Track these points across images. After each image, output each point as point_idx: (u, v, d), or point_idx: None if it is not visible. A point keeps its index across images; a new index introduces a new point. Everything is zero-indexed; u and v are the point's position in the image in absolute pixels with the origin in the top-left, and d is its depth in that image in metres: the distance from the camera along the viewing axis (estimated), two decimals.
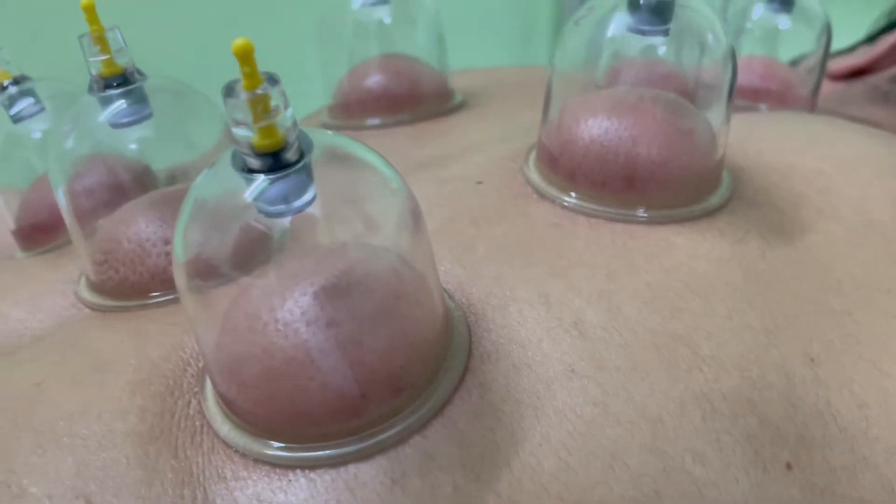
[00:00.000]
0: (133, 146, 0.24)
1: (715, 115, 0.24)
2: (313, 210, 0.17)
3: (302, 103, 0.47)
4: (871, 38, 0.57)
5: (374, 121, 0.38)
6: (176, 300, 0.23)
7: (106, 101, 0.24)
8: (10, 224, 0.33)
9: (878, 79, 0.53)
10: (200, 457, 0.18)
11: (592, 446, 0.17)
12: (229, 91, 0.15)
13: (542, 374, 0.19)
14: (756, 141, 0.29)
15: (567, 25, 0.25)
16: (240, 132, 0.16)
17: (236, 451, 0.18)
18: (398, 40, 0.38)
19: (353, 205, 0.17)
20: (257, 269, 0.17)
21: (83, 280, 0.26)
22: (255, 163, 0.16)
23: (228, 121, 0.16)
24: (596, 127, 0.24)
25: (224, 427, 0.18)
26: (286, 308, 0.17)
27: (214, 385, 0.18)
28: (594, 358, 0.19)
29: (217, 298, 0.18)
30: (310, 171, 0.16)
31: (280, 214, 0.17)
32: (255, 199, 0.16)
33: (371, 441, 0.17)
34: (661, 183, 0.24)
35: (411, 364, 0.18)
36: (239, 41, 0.14)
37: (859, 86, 0.54)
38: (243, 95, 0.15)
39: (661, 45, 0.24)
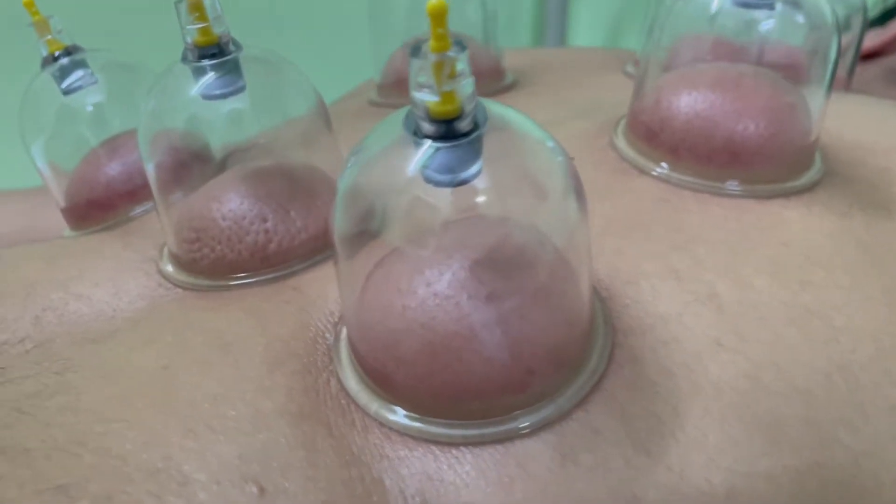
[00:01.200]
0: (224, 119, 0.23)
1: (815, 90, 0.24)
2: (477, 182, 0.16)
3: (350, 79, 0.46)
4: (882, 20, 0.58)
5: None
6: (280, 278, 0.23)
7: (199, 72, 0.23)
8: (60, 201, 0.31)
9: (892, 60, 0.54)
10: (356, 435, 0.17)
11: (751, 418, 0.17)
12: (415, 51, 0.15)
13: (690, 347, 0.19)
14: (832, 119, 0.29)
15: (666, 1, 0.25)
16: (420, 95, 0.15)
17: (391, 428, 0.17)
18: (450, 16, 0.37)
19: (518, 179, 0.17)
20: (416, 239, 0.17)
21: (166, 258, 0.25)
22: (428, 128, 0.15)
23: (411, 83, 0.15)
24: (700, 101, 0.24)
25: (372, 405, 0.18)
26: (444, 281, 0.17)
27: (363, 362, 0.18)
28: (737, 331, 0.19)
29: (371, 269, 0.17)
30: (480, 143, 0.16)
31: (445, 184, 0.16)
32: (422, 167, 0.16)
33: (536, 417, 0.17)
34: (767, 157, 0.24)
35: (570, 338, 0.17)
36: (435, 1, 0.14)
37: (873, 68, 0.55)
38: (431, 57, 0.14)
39: (765, 20, 0.24)
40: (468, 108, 0.15)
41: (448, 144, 0.16)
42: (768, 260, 0.21)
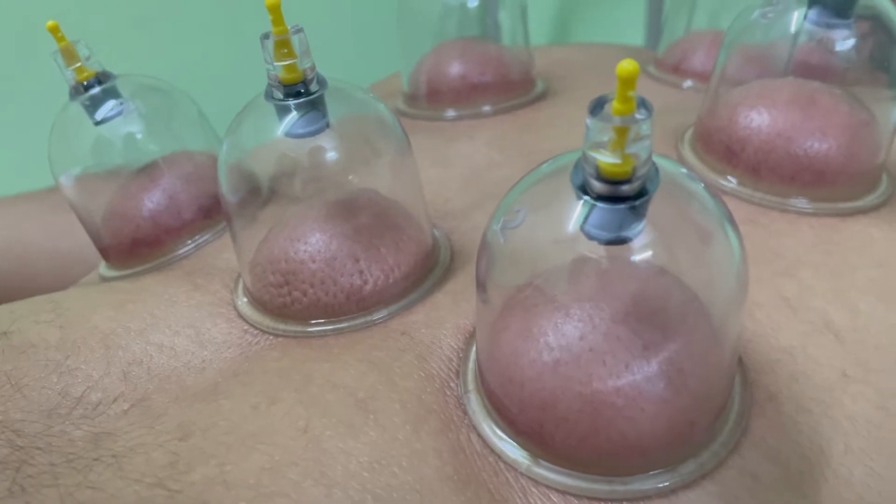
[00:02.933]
0: (306, 156, 0.22)
1: (887, 107, 0.24)
2: (638, 239, 0.16)
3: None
4: None
5: (451, 112, 0.36)
6: (381, 321, 0.22)
7: (283, 110, 0.21)
8: (101, 237, 0.29)
9: None
10: (517, 498, 0.16)
11: (889, 450, 0.17)
12: (596, 109, 0.14)
13: (820, 381, 0.19)
14: None
15: (742, 15, 0.25)
16: (594, 154, 0.14)
17: (549, 487, 0.17)
18: (481, 21, 0.36)
19: (677, 234, 0.16)
20: (566, 288, 0.16)
21: (244, 301, 0.24)
22: (598, 187, 0.15)
23: (587, 140, 0.14)
24: (780, 119, 0.24)
25: (522, 462, 0.17)
26: (599, 333, 0.16)
27: (512, 420, 0.17)
28: (859, 361, 0.19)
29: (523, 322, 0.17)
30: (647, 206, 0.15)
31: (606, 242, 0.16)
32: (584, 223, 0.15)
33: (696, 467, 0.17)
34: (849, 175, 0.24)
35: (723, 384, 0.17)
36: (627, 64, 0.13)
37: None
38: (615, 120, 0.14)
39: (842, 39, 0.24)
40: (640, 171, 0.14)
41: (615, 206, 0.15)
42: (869, 281, 0.21)
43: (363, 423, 0.18)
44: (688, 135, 0.27)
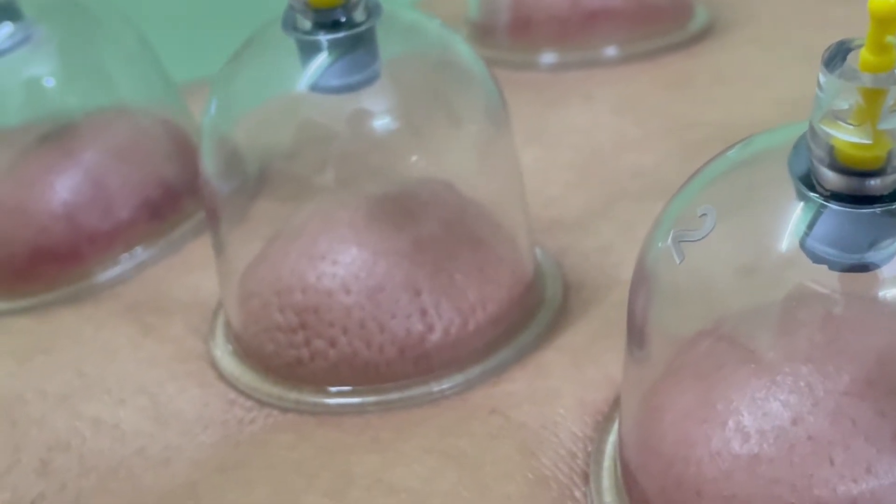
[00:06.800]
0: (344, 123, 0.25)
1: None
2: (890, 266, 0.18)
3: None
4: None
5: (551, 56, 0.39)
6: (456, 389, 0.24)
7: (310, 48, 0.24)
8: None
9: None
10: None
11: None
12: (834, 61, 0.16)
13: None
14: None
15: None
16: (829, 130, 0.17)
17: None
18: None
19: None
20: (779, 347, 0.19)
21: (227, 353, 0.26)
22: (833, 180, 0.17)
23: (818, 106, 0.17)
24: None
25: None
26: (824, 413, 0.18)
27: None
28: None
29: (703, 392, 0.19)
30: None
31: (839, 266, 0.18)
32: (807, 235, 0.18)
33: None
34: None
35: None
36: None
37: None
38: (865, 78, 0.16)
39: None
40: None
41: (855, 209, 0.17)
42: None
43: None
44: None
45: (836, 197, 0.17)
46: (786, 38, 0.38)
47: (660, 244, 0.19)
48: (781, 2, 0.41)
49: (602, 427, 0.23)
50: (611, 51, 0.38)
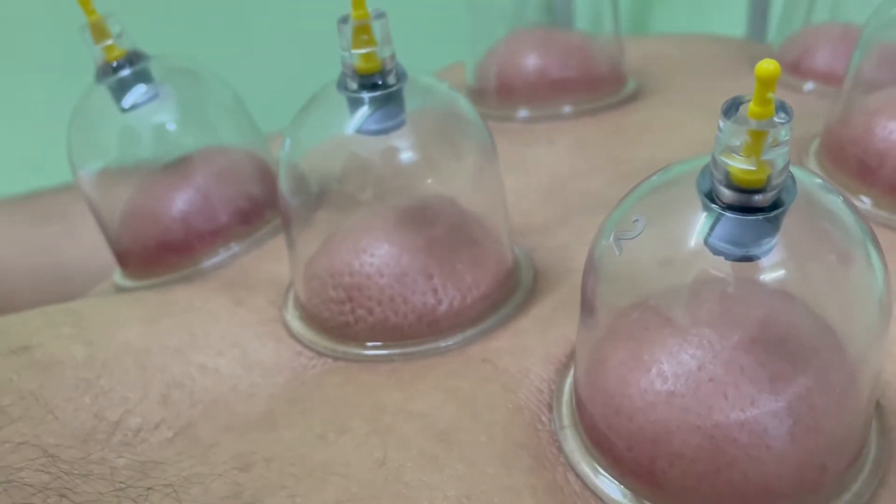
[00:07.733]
0: (379, 156, 0.25)
1: None
2: (768, 258, 0.18)
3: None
4: None
5: (524, 112, 0.39)
6: (456, 346, 0.24)
7: (356, 103, 0.24)
8: (119, 238, 0.32)
9: None
10: None
11: None
12: (730, 110, 0.16)
13: None
14: None
15: (882, 9, 0.27)
16: (726, 160, 0.17)
17: None
18: (564, 5, 0.39)
19: (811, 258, 0.18)
20: (683, 311, 0.19)
21: (296, 318, 0.26)
22: (728, 195, 0.17)
23: (718, 143, 0.17)
24: None
25: None
26: (720, 362, 0.18)
27: (619, 457, 0.19)
28: None
29: (634, 347, 0.19)
30: (781, 220, 0.18)
31: (732, 257, 0.18)
32: (709, 235, 0.18)
33: None
34: None
35: (857, 427, 0.19)
36: (767, 64, 0.16)
37: None
38: (751, 123, 0.16)
39: None
40: (776, 180, 0.17)
41: (744, 217, 0.17)
42: None
43: (447, 456, 0.20)
44: (814, 146, 0.30)
45: (731, 208, 0.17)
46: (692, 101, 0.39)
47: (604, 242, 0.19)
48: (689, 77, 0.42)
49: (562, 373, 0.23)
50: (567, 108, 0.39)
